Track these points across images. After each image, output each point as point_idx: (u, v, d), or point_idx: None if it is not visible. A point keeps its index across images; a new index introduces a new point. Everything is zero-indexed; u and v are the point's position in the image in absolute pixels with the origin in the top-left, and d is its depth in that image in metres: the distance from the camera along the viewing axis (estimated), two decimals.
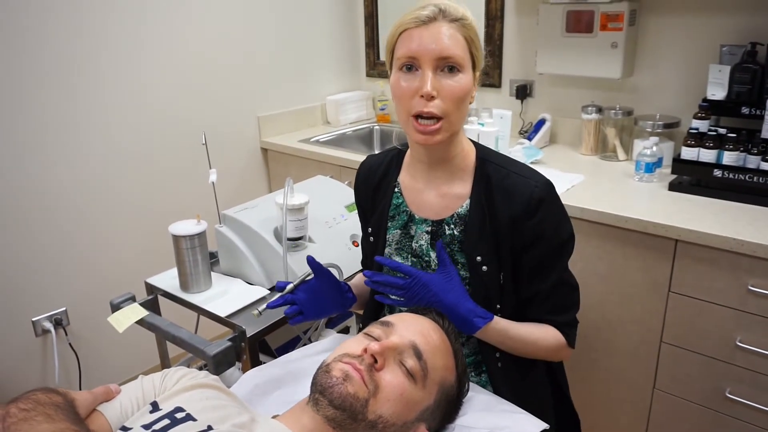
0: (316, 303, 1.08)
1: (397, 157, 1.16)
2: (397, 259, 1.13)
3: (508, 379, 1.08)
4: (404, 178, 1.14)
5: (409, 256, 1.12)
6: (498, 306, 1.05)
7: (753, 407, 1.54)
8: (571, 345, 1.08)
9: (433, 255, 1.09)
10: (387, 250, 1.14)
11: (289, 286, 1.09)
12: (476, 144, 1.10)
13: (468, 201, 1.06)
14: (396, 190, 1.14)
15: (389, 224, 1.13)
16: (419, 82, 0.95)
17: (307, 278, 1.05)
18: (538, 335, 1.05)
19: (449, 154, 1.05)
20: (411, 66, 0.96)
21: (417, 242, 1.10)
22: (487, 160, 1.06)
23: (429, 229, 1.09)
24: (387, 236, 1.13)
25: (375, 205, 1.17)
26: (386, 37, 1.01)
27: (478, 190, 1.05)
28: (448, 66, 0.94)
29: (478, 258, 1.03)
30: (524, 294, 1.07)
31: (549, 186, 1.03)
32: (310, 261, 1.09)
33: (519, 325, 1.05)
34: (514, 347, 1.05)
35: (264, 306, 1.08)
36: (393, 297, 1.06)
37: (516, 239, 1.02)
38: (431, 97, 0.94)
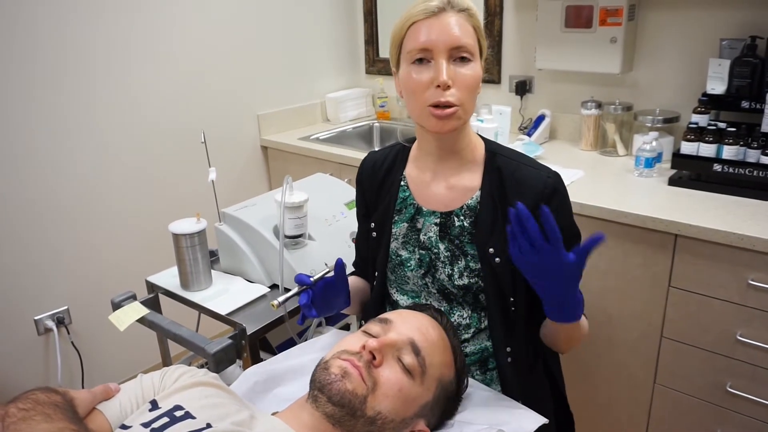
0: (326, 300, 1.06)
1: (402, 152, 1.16)
2: (404, 253, 1.11)
3: (517, 374, 1.07)
4: (411, 171, 1.13)
5: (417, 249, 1.10)
6: (512, 299, 1.04)
7: (754, 401, 1.54)
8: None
9: (442, 247, 1.07)
10: (393, 245, 1.13)
11: (316, 277, 1.04)
12: (484, 138, 1.10)
13: (478, 192, 1.05)
14: (402, 183, 1.13)
15: (395, 218, 1.13)
16: (434, 73, 0.94)
17: (327, 274, 1.04)
18: None
19: (458, 145, 1.05)
20: (423, 58, 0.96)
21: (425, 234, 1.09)
22: (497, 152, 1.07)
23: (437, 221, 1.08)
24: (393, 230, 1.12)
25: (379, 200, 1.16)
26: (391, 33, 1.01)
27: (489, 182, 1.05)
28: (461, 55, 0.95)
29: (491, 250, 1.02)
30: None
31: (560, 177, 1.04)
32: (339, 263, 1.04)
33: None
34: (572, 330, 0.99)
35: (283, 298, 1.05)
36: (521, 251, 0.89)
37: None
38: (447, 87, 0.94)
